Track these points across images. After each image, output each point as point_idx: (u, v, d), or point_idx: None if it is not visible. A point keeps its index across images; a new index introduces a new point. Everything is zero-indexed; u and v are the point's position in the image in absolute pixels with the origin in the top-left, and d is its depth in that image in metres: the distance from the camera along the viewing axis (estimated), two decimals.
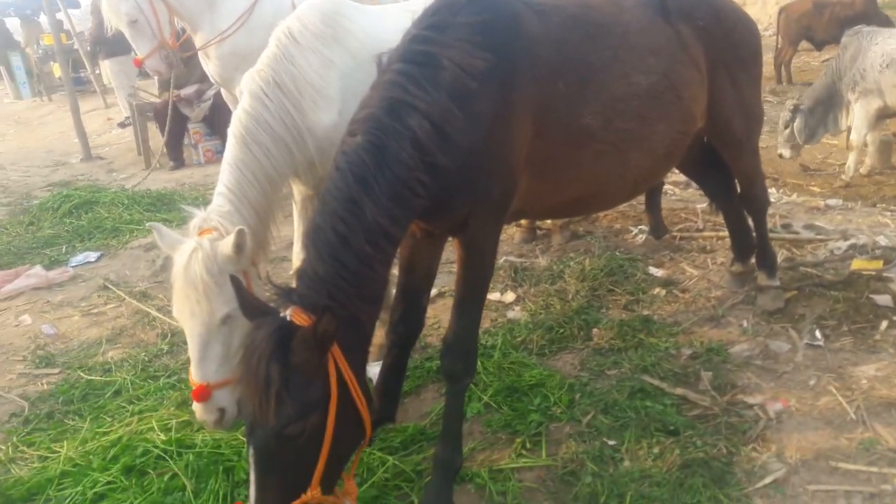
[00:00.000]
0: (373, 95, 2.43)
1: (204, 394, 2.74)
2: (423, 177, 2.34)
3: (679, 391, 3.28)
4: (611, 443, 3.00)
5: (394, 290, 3.17)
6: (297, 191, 3.81)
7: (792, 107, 7.89)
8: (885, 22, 11.43)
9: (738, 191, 3.95)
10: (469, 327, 2.75)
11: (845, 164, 8.05)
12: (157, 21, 5.93)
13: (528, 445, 3.03)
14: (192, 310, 2.76)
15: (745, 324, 3.83)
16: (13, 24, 20.65)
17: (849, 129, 8.00)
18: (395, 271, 2.94)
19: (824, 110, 8.03)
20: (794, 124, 7.84)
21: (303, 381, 2.12)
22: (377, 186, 2.27)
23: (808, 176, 8.11)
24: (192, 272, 2.75)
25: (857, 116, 7.69)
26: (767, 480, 2.73)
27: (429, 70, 2.38)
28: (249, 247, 2.87)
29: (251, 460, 2.16)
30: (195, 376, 2.78)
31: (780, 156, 7.86)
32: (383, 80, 2.43)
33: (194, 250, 2.78)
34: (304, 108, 3.26)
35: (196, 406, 2.79)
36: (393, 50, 2.52)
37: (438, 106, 2.34)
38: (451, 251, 3.48)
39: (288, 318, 2.16)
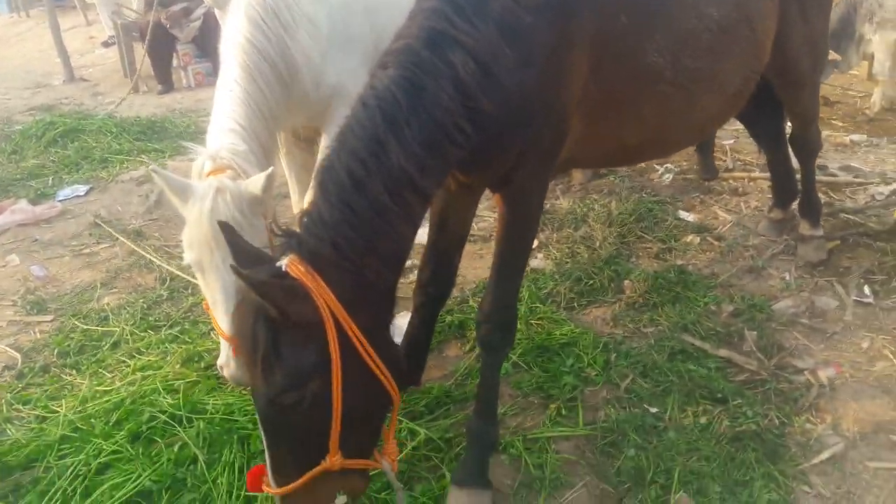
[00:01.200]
0: (411, 24, 2.07)
1: None
2: (465, 124, 2.00)
3: (723, 353, 3.08)
4: (653, 410, 2.80)
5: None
6: (282, 134, 3.58)
7: None
8: None
9: (790, 132, 3.65)
10: (509, 293, 2.48)
11: (867, 96, 7.71)
12: None
13: (563, 412, 2.83)
14: (223, 257, 2.48)
15: (787, 277, 3.61)
16: None
17: (870, 61, 7.62)
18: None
19: (836, 43, 7.62)
20: None
21: (295, 342, 1.86)
22: (408, 129, 1.93)
23: (829, 108, 7.77)
24: (221, 215, 2.46)
25: (876, 49, 7.29)
26: (824, 456, 2.56)
27: (479, 2, 2.03)
28: None
29: (260, 427, 1.99)
30: (230, 330, 2.50)
31: None
32: (424, 6, 2.07)
33: (218, 191, 2.52)
34: (300, 39, 3.10)
35: (225, 361, 2.57)
36: None
37: (487, 42, 2.00)
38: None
39: (283, 269, 1.87)
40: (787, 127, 3.74)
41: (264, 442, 1.99)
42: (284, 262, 1.88)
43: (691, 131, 2.90)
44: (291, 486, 1.97)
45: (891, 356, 2.97)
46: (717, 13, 2.55)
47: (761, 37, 2.78)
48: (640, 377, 2.97)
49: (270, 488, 2.01)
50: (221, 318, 2.57)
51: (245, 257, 1.94)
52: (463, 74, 1.97)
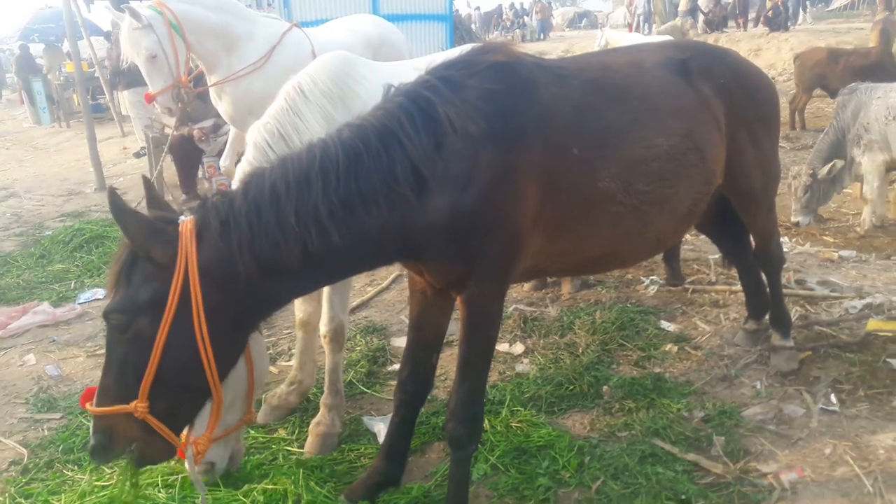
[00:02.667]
0: (370, 116, 2.45)
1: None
2: (383, 203, 2.33)
3: (691, 457, 3.20)
4: None
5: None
6: None
7: (810, 172, 7.83)
8: None
9: (754, 248, 3.90)
10: (473, 392, 2.69)
11: (858, 213, 7.99)
12: (176, 58, 5.99)
13: None
14: None
15: (758, 385, 3.76)
16: (37, 50, 21.08)
17: (861, 182, 7.96)
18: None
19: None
20: (814, 189, 7.77)
21: (143, 276, 2.21)
22: (334, 183, 2.29)
23: (821, 225, 8.04)
24: None
25: (866, 170, 7.65)
26: None
27: (425, 116, 2.39)
28: None
29: None
30: None
31: (797, 224, 7.73)
32: (385, 106, 2.46)
33: None
34: None
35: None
36: (403, 85, 2.53)
37: (422, 151, 2.35)
38: None
39: (178, 221, 2.25)
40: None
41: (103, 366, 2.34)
42: (182, 219, 2.27)
43: (646, 247, 3.15)
44: (100, 410, 2.28)
45: (851, 462, 3.08)
46: (667, 143, 2.85)
47: (710, 163, 3.05)
48: (611, 479, 3.09)
49: (89, 406, 2.33)
50: None
51: (156, 207, 2.36)
52: (398, 168, 2.33)
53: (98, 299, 5.76)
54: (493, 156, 2.43)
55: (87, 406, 2.36)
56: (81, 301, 5.74)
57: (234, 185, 3.19)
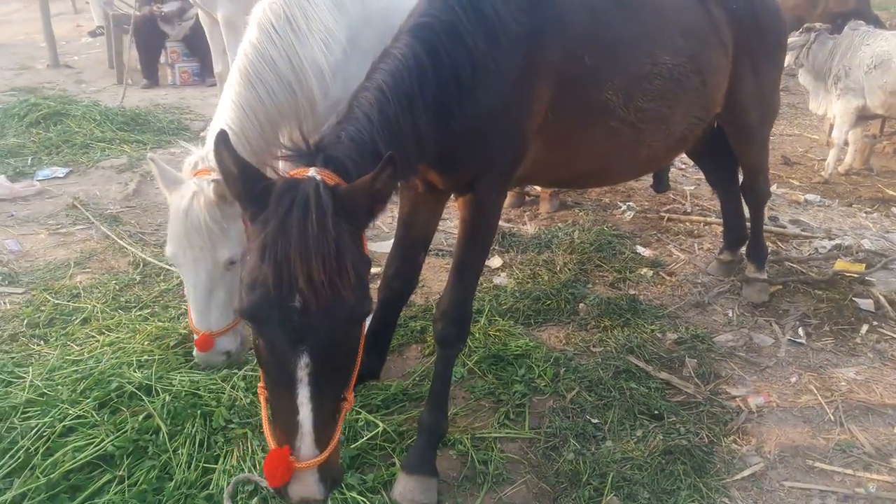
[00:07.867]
0: (427, 13, 2.29)
1: (207, 343, 2.77)
2: (454, 105, 2.25)
3: (664, 375, 3.29)
4: (594, 421, 2.99)
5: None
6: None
7: (806, 28, 7.86)
8: (876, 22, 11.49)
9: (741, 181, 3.92)
10: (466, 293, 2.67)
11: (824, 160, 8.12)
12: None
13: (511, 416, 3.01)
14: (195, 257, 2.70)
15: (730, 314, 3.86)
16: None
17: (830, 126, 8.06)
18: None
19: (821, 66, 8.00)
20: (812, 45, 7.81)
21: (360, 251, 1.79)
22: (429, 90, 2.18)
23: (788, 167, 8.17)
24: (194, 217, 2.67)
25: (838, 114, 7.72)
26: (746, 473, 2.76)
27: (477, 12, 2.28)
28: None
29: (301, 368, 1.69)
30: (198, 324, 2.77)
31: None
32: (436, 2, 2.30)
33: (195, 194, 2.69)
34: (314, 47, 3.15)
35: (198, 353, 2.82)
36: None
37: (480, 54, 2.26)
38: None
39: (318, 178, 1.77)
40: (740, 176, 4.01)
41: (305, 394, 1.71)
42: (314, 172, 1.81)
43: (637, 165, 3.14)
44: (335, 440, 1.77)
45: (815, 391, 3.22)
46: (672, 62, 2.80)
47: (711, 89, 3.02)
48: (585, 391, 3.16)
49: (311, 459, 1.72)
50: (195, 312, 2.79)
51: (252, 176, 1.81)
52: (460, 70, 2.23)
53: (58, 177, 5.52)
54: (523, 54, 2.35)
55: (307, 463, 1.73)
56: (40, 178, 5.49)
57: (235, 73, 3.03)
